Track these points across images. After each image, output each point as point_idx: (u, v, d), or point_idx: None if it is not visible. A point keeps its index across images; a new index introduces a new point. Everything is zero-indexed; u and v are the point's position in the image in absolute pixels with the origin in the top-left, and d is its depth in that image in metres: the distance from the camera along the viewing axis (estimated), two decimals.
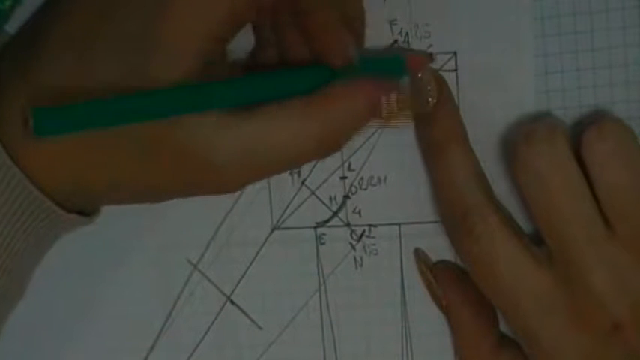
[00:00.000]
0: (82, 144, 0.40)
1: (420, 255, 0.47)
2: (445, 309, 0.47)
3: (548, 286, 0.43)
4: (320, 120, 0.40)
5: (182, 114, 0.39)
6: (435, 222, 0.47)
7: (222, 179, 0.40)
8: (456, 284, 0.46)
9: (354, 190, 0.47)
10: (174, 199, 0.42)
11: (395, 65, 0.44)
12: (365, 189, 0.47)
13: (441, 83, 0.45)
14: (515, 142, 0.43)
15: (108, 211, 0.45)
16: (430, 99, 0.45)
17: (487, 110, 0.46)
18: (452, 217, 0.45)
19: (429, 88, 0.45)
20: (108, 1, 0.39)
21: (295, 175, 0.47)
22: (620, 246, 0.42)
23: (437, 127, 0.45)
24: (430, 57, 0.45)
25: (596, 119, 0.43)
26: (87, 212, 0.43)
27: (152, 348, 0.48)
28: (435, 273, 0.47)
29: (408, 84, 0.44)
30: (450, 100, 0.45)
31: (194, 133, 0.39)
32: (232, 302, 0.48)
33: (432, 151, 0.46)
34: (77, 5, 0.40)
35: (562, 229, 0.42)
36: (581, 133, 0.43)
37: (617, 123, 0.43)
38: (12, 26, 0.44)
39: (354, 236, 0.47)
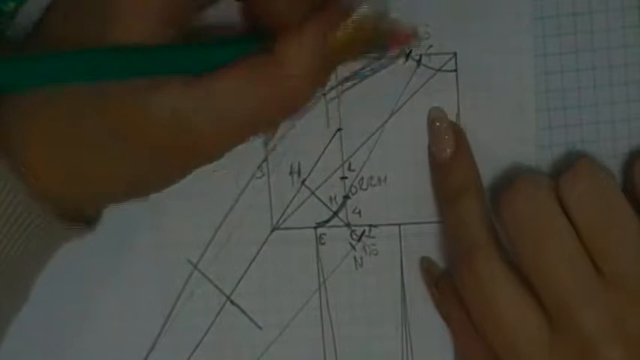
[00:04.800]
0: (58, 144, 0.40)
1: (425, 267, 0.47)
2: (449, 324, 0.47)
3: (546, 328, 0.43)
4: (279, 69, 0.40)
5: (133, 76, 0.38)
6: (435, 222, 0.47)
7: (200, 149, 0.40)
8: (460, 300, 0.45)
9: (354, 190, 0.47)
10: (169, 187, 0.42)
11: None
12: (365, 189, 0.47)
13: (459, 133, 0.46)
14: (500, 191, 0.44)
15: (108, 212, 0.45)
16: (448, 149, 0.45)
17: (487, 110, 0.46)
18: (456, 254, 0.45)
19: (446, 137, 0.45)
20: None
21: (295, 175, 0.47)
22: (608, 286, 0.42)
23: (453, 175, 0.46)
24: (415, 36, 0.45)
25: (573, 161, 0.44)
26: (88, 219, 0.43)
27: (152, 348, 0.48)
28: (439, 288, 0.47)
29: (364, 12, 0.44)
30: (467, 149, 0.46)
31: (163, 109, 0.39)
32: (232, 302, 0.48)
33: (445, 198, 0.46)
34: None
35: (549, 273, 0.42)
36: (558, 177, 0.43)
37: (592, 163, 0.43)
38: (14, 29, 0.44)
39: (354, 236, 0.47)
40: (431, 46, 0.46)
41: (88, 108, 0.39)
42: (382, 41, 0.44)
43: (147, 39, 0.38)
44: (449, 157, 0.46)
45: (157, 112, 0.39)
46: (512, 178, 0.44)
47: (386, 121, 0.47)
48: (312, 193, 0.47)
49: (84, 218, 0.43)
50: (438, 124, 0.46)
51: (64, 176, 0.40)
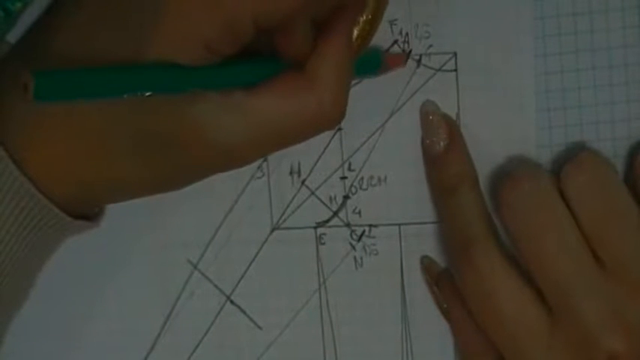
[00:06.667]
0: (85, 145, 0.40)
1: (425, 265, 0.47)
2: (450, 321, 0.47)
3: (546, 320, 0.43)
4: (311, 86, 0.40)
5: (171, 91, 0.39)
6: (435, 222, 0.47)
7: (230, 158, 0.41)
8: (461, 298, 0.45)
9: (354, 190, 0.47)
10: (184, 188, 0.42)
11: (372, 61, 0.45)
12: (365, 189, 0.47)
13: (452, 125, 0.46)
14: (500, 186, 0.44)
15: (108, 212, 0.45)
16: (441, 142, 0.45)
17: (487, 110, 0.46)
18: (455, 248, 0.45)
19: (439, 130, 0.45)
20: (109, 4, 0.39)
21: (295, 175, 0.47)
22: (609, 277, 0.42)
23: (447, 169, 0.45)
24: (406, 56, 0.46)
25: (575, 154, 0.44)
26: (91, 214, 0.43)
27: (152, 348, 0.48)
28: (440, 286, 0.47)
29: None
30: (461, 142, 0.46)
31: (199, 120, 0.39)
32: (232, 302, 0.48)
33: (441, 192, 0.46)
34: (81, 12, 0.40)
35: (549, 264, 0.42)
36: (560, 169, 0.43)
37: (594, 155, 0.44)
38: (19, 29, 0.44)
39: (354, 236, 0.47)
40: (431, 46, 0.46)
41: (118, 118, 0.39)
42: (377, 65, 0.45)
43: (186, 61, 0.38)
44: (443, 150, 0.46)
45: (191, 124, 0.39)
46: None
47: (386, 121, 0.47)
48: (312, 193, 0.47)
49: (89, 214, 0.43)
50: (431, 117, 0.46)
51: (79, 178, 0.40)
